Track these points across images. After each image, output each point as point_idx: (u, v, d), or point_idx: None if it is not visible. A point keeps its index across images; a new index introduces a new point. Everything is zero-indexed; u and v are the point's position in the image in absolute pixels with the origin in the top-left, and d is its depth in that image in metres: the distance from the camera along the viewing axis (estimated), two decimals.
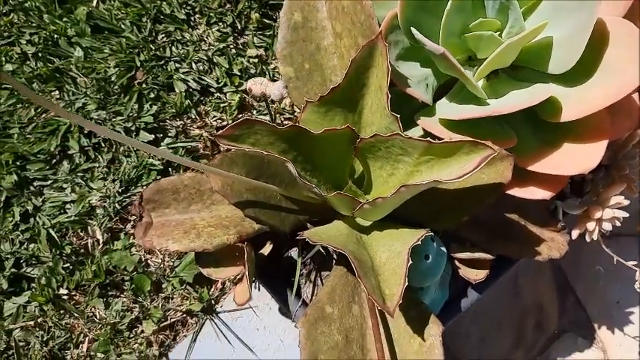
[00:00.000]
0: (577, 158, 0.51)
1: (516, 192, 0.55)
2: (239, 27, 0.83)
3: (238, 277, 0.52)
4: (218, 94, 0.81)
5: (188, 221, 0.52)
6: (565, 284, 1.00)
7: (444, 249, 0.53)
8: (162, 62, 0.80)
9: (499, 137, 0.52)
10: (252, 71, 0.82)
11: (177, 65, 0.80)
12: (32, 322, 0.68)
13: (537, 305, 0.98)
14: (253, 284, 0.72)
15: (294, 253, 0.57)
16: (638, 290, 0.64)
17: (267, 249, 0.55)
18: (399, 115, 0.47)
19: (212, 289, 0.72)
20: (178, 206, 0.53)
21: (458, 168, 0.42)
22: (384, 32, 0.52)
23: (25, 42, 0.78)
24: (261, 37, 0.82)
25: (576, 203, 0.59)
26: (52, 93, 0.77)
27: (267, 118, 0.74)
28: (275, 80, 0.67)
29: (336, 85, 0.48)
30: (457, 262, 0.56)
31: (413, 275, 0.52)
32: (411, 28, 0.50)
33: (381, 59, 0.47)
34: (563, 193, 0.62)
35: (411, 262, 0.49)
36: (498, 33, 0.53)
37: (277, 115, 0.75)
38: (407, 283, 0.42)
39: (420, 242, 0.44)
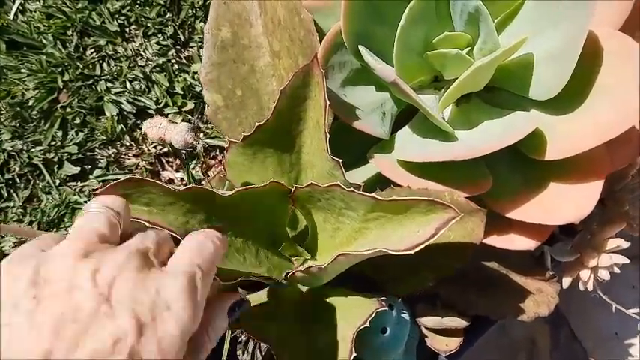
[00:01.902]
0: (567, 203, 0.42)
1: (494, 241, 0.45)
2: (182, 39, 0.73)
3: None
4: (157, 115, 0.70)
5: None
6: (557, 315, 0.91)
7: (406, 316, 0.43)
8: (91, 82, 0.70)
9: (472, 179, 0.42)
10: (198, 89, 0.71)
11: (109, 84, 0.70)
12: None
13: (528, 339, 0.89)
14: None
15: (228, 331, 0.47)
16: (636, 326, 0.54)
17: None
18: (341, 160, 0.37)
19: None
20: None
21: (412, 231, 0.33)
22: (326, 52, 0.42)
23: None
24: None
25: (567, 248, 0.50)
26: None
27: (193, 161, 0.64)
28: (176, 123, 0.56)
29: (261, 122, 0.38)
30: (424, 329, 0.47)
31: (369, 352, 0.42)
32: (359, 45, 0.41)
33: (317, 89, 0.38)
34: (552, 234, 0.53)
35: (362, 336, 0.40)
36: (468, 50, 0.43)
37: (217, 137, 0.65)
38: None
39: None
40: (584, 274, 0.50)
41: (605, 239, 0.50)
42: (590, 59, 0.40)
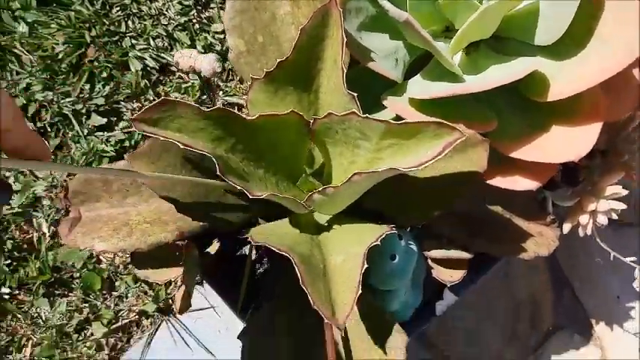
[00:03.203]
0: (567, 143, 0.44)
1: (498, 182, 0.48)
2: (203, 0, 0.76)
3: (181, 279, 0.46)
4: (179, 73, 0.74)
5: (122, 216, 0.46)
6: (561, 277, 0.94)
7: (414, 247, 0.46)
8: (117, 38, 0.73)
9: (477, 119, 0.45)
10: (217, 48, 0.75)
11: (134, 41, 0.73)
12: None
13: (531, 300, 0.92)
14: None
15: (247, 250, 0.51)
16: (637, 289, 0.57)
17: (214, 247, 0.49)
18: (356, 94, 0.40)
19: (170, 288, 0.66)
20: (111, 199, 0.47)
21: (423, 154, 0.36)
22: None
23: None
24: None
25: (568, 193, 0.53)
26: None
27: (228, 99, 0.68)
28: (205, 53, 0.60)
29: (282, 59, 0.42)
30: (430, 262, 0.50)
31: (379, 278, 0.46)
32: None
33: (335, 28, 0.41)
34: (554, 181, 0.56)
35: (373, 263, 0.44)
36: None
37: (236, 95, 0.68)
38: (361, 291, 0.36)
39: (381, 241, 0.38)
40: (584, 218, 0.53)
41: (604, 186, 0.52)
42: (593, 5, 0.42)
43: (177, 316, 0.65)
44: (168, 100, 0.37)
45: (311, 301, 0.35)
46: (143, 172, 0.41)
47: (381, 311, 0.43)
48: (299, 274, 0.36)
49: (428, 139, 0.36)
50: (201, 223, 0.46)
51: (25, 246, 0.65)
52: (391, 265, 0.45)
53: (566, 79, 0.42)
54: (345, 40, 0.41)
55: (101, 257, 0.66)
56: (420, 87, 0.46)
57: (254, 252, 0.51)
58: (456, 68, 0.44)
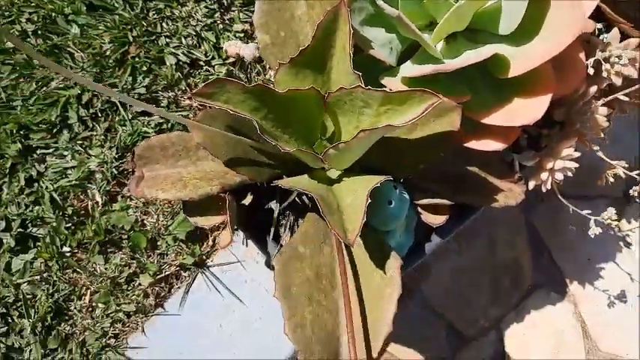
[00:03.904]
0: (525, 111, 0.56)
1: (473, 144, 0.60)
2: (225, 4, 0.88)
3: (222, 224, 0.57)
4: (206, 66, 0.85)
5: (176, 175, 0.58)
6: (540, 243, 1.05)
7: (406, 196, 0.58)
8: (154, 37, 0.85)
9: (455, 93, 0.57)
10: (258, 47, 0.86)
11: (168, 40, 0.85)
12: (38, 277, 0.73)
13: (513, 263, 1.03)
14: (242, 241, 0.78)
15: (274, 205, 0.62)
16: (591, 235, 0.69)
17: (248, 200, 0.60)
18: (360, 73, 0.52)
19: (204, 246, 0.78)
20: (167, 162, 0.58)
21: (411, 115, 0.48)
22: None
23: (25, 20, 0.83)
24: (247, 12, 0.87)
25: (530, 155, 0.64)
26: (52, 69, 0.82)
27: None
28: (247, 43, 0.72)
29: (304, 47, 0.53)
30: (420, 209, 0.61)
31: (379, 219, 0.57)
32: None
33: (343, 23, 0.52)
34: (520, 147, 0.67)
35: (374, 208, 0.55)
36: None
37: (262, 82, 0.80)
38: (366, 221, 0.47)
39: (380, 185, 0.50)
40: (544, 175, 0.64)
41: (560, 149, 0.64)
42: (544, 3, 0.54)
43: (211, 268, 0.76)
44: (220, 79, 0.49)
45: (330, 226, 0.47)
46: (196, 136, 0.52)
47: (381, 242, 0.55)
48: (320, 208, 0.47)
49: (415, 103, 0.47)
50: (238, 179, 0.58)
51: (82, 212, 0.77)
52: (388, 209, 0.56)
53: (521, 60, 0.54)
54: (352, 32, 0.52)
55: (145, 222, 0.77)
56: (410, 68, 0.58)
57: (278, 207, 0.63)
58: (437, 53, 0.56)
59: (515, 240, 1.05)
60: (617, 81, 0.67)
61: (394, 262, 0.53)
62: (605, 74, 0.62)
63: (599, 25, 0.70)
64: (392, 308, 0.50)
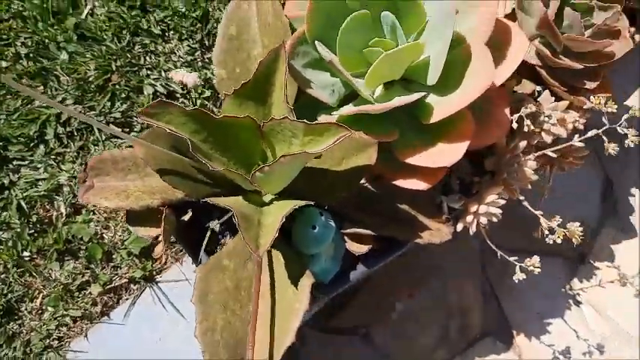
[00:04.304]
0: (444, 154, 0.60)
1: (400, 182, 0.64)
2: (207, 44, 0.95)
3: (160, 236, 0.61)
4: (182, 99, 0.91)
5: (123, 187, 0.62)
6: (490, 291, 1.08)
7: (332, 223, 0.62)
8: (136, 69, 0.91)
9: (384, 132, 0.61)
10: (215, 81, 0.92)
11: (149, 72, 0.91)
12: None
13: (463, 308, 1.05)
14: (189, 262, 0.81)
15: (212, 223, 0.66)
16: (515, 281, 0.72)
17: (187, 216, 0.64)
18: (292, 107, 0.57)
19: (155, 263, 0.81)
20: (117, 175, 0.63)
21: (327, 144, 0.52)
22: (294, 43, 0.62)
23: (20, 44, 0.90)
24: None
25: (456, 198, 0.69)
26: (38, 88, 0.88)
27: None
28: (190, 73, 0.79)
29: (246, 81, 0.58)
30: (346, 238, 0.65)
31: (302, 242, 0.61)
32: (316, 41, 0.61)
33: (282, 63, 0.58)
34: (452, 190, 0.71)
35: (299, 229, 0.59)
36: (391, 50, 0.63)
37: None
38: (291, 243, 0.51)
39: (305, 216, 0.54)
40: (469, 218, 0.68)
41: (486, 196, 0.68)
42: (465, 59, 0.59)
43: (159, 284, 0.79)
44: (163, 102, 0.54)
45: (243, 239, 0.51)
46: (139, 151, 0.57)
47: (300, 263, 0.58)
48: (237, 222, 0.51)
49: (332, 134, 0.52)
50: (180, 196, 0.62)
51: (46, 221, 0.81)
52: (312, 234, 0.60)
53: (441, 107, 0.59)
54: (290, 71, 0.58)
55: (104, 235, 0.81)
56: (345, 109, 0.63)
57: (218, 226, 0.67)
58: (367, 96, 0.61)
59: (469, 286, 1.07)
60: (547, 138, 0.72)
61: (307, 281, 0.56)
62: (526, 129, 0.67)
63: (539, 88, 0.75)
64: (297, 321, 0.54)
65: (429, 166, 0.61)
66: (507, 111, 0.65)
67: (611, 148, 0.71)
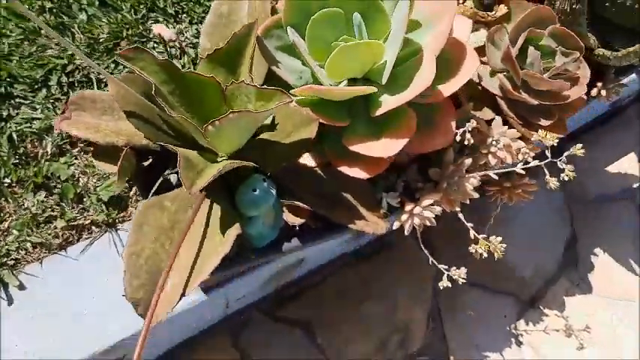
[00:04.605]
0: (386, 146, 0.66)
1: (344, 169, 0.69)
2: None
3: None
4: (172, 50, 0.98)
5: (95, 124, 0.68)
6: (438, 316, 1.11)
7: (273, 192, 0.67)
8: (144, 40, 0.99)
9: (337, 118, 0.67)
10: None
11: (155, 45, 0.99)
12: None
13: (408, 326, 1.08)
14: None
15: (168, 172, 0.72)
16: (440, 287, 0.75)
17: (148, 162, 0.70)
18: (253, 77, 0.63)
19: (122, 213, 0.87)
20: (93, 113, 0.69)
21: (271, 106, 0.58)
22: (270, 24, 0.69)
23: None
24: None
25: (395, 195, 0.73)
26: (54, 40, 0.96)
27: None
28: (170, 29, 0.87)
29: (219, 47, 0.65)
30: (285, 209, 0.70)
31: (242, 201, 0.66)
32: (288, 27, 0.68)
33: (253, 37, 0.64)
34: (394, 189, 0.76)
35: (242, 190, 0.65)
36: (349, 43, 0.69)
37: None
38: (234, 201, 0.57)
39: (249, 179, 0.60)
40: (404, 217, 0.73)
41: (423, 200, 0.73)
42: (417, 67, 0.65)
43: (119, 231, 0.85)
44: (140, 48, 0.61)
45: (181, 178, 0.56)
46: (112, 89, 0.64)
47: (233, 217, 0.63)
48: (179, 163, 0.57)
49: (277, 99, 0.58)
50: (144, 142, 0.68)
51: (32, 155, 0.88)
52: (252, 195, 0.65)
53: (387, 102, 0.65)
54: (262, 50, 0.64)
55: (80, 178, 0.88)
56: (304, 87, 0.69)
57: (176, 178, 0.73)
58: (327, 84, 0.67)
59: (419, 307, 1.10)
60: (492, 161, 0.77)
61: (234, 231, 0.61)
62: (466, 142, 0.71)
63: (498, 118, 0.80)
64: (216, 261, 0.59)
65: (370, 156, 0.66)
66: (453, 124, 0.71)
67: (552, 182, 0.75)
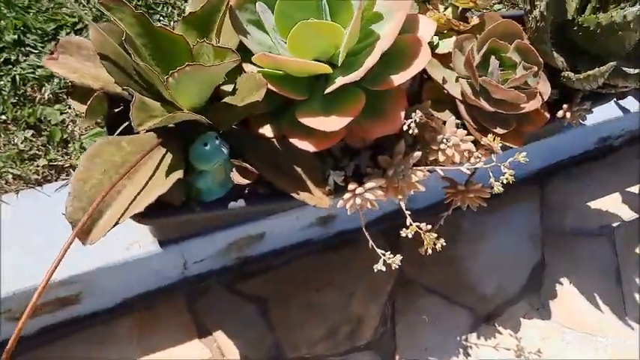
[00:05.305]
0: (332, 122, 0.70)
1: (295, 141, 0.73)
2: None
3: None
4: None
5: (77, 67, 0.75)
6: (392, 315, 1.13)
7: (224, 150, 0.71)
8: (152, 12, 1.06)
9: (295, 91, 0.72)
10: None
11: (161, 18, 1.06)
12: None
13: (361, 319, 1.11)
14: None
15: None
16: (374, 270, 0.78)
17: (119, 109, 0.76)
18: (218, 39, 0.69)
19: None
20: (78, 57, 0.76)
21: (225, 65, 0.64)
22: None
23: None
24: None
25: (340, 174, 0.77)
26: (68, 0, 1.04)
27: None
28: None
29: (194, 11, 0.71)
30: (234, 170, 0.75)
31: (193, 155, 0.71)
32: (258, 2, 0.73)
33: (224, 6, 0.70)
34: (341, 169, 0.80)
35: (194, 148, 0.70)
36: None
37: None
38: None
39: (201, 135, 0.66)
40: (346, 195, 0.77)
41: (367, 182, 0.76)
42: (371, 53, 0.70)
43: None
44: (120, 0, 0.67)
45: (131, 116, 0.62)
46: (92, 35, 0.70)
47: (178, 166, 0.68)
48: (132, 103, 0.63)
49: (229, 57, 0.63)
50: (118, 90, 0.74)
51: (30, 98, 0.95)
52: (202, 149, 0.70)
53: (338, 81, 0.69)
54: (233, 21, 0.70)
55: (69, 126, 0.95)
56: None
57: None
58: (283, 50, 0.72)
59: (376, 301, 1.13)
60: (441, 157, 0.80)
61: (176, 175, 0.67)
62: (411, 132, 0.75)
63: (452, 118, 0.84)
64: (150, 199, 0.64)
65: (319, 130, 0.70)
66: (402, 113, 0.74)
67: (497, 186, 0.78)
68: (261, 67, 0.74)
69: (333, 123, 0.70)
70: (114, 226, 0.64)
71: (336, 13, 0.73)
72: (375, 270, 0.79)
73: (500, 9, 1.31)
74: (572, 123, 0.92)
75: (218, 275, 1.09)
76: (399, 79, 0.71)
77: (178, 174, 0.67)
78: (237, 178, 0.74)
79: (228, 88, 0.75)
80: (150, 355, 0.99)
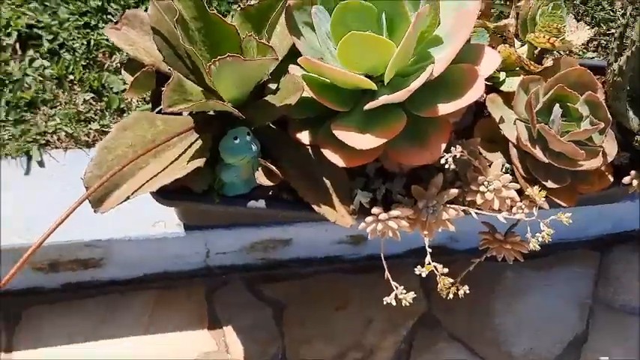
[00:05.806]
0: (365, 140, 0.67)
1: (326, 152, 0.71)
2: None
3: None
4: None
5: (135, 40, 0.76)
6: (408, 352, 1.07)
7: (254, 147, 0.70)
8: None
9: (335, 101, 0.69)
10: None
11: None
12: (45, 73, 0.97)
13: (374, 350, 1.06)
14: None
15: None
16: (384, 302, 0.73)
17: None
18: (268, 35, 0.68)
19: None
20: (139, 31, 0.77)
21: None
22: (305, 0, 0.72)
23: None
24: None
25: (368, 195, 0.74)
26: None
27: None
28: None
29: (251, 5, 0.70)
30: (260, 170, 0.73)
31: (222, 146, 0.70)
32: (315, 6, 0.70)
33: (280, 5, 0.69)
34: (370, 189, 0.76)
35: (224, 140, 0.70)
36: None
37: None
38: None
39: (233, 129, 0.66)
40: (369, 218, 0.73)
41: (394, 209, 0.72)
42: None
43: None
44: None
45: (163, 95, 0.62)
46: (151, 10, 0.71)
47: (204, 154, 0.68)
48: (169, 82, 0.63)
49: (268, 54, 0.62)
50: (167, 69, 0.75)
51: (99, 63, 0.99)
52: (231, 142, 0.69)
53: (380, 98, 0.66)
54: (288, 21, 0.69)
55: (127, 98, 0.98)
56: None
57: None
58: (335, 61, 0.69)
59: (390, 335, 1.08)
60: (479, 200, 0.75)
61: (196, 162, 0.67)
62: (448, 167, 0.70)
63: (499, 161, 0.78)
64: (165, 181, 0.65)
65: (352, 146, 0.67)
66: (444, 145, 0.69)
67: (533, 243, 0.72)
68: (307, 72, 0.72)
69: (365, 141, 0.67)
70: (124, 200, 0.64)
71: (395, 30, 0.70)
72: (385, 302, 0.74)
73: (593, 57, 1.21)
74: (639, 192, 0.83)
75: (241, 271, 1.08)
76: (446, 108, 0.67)
77: (199, 162, 0.66)
78: (260, 179, 0.72)
79: (273, 86, 0.73)
80: (156, 334, 1.00)
